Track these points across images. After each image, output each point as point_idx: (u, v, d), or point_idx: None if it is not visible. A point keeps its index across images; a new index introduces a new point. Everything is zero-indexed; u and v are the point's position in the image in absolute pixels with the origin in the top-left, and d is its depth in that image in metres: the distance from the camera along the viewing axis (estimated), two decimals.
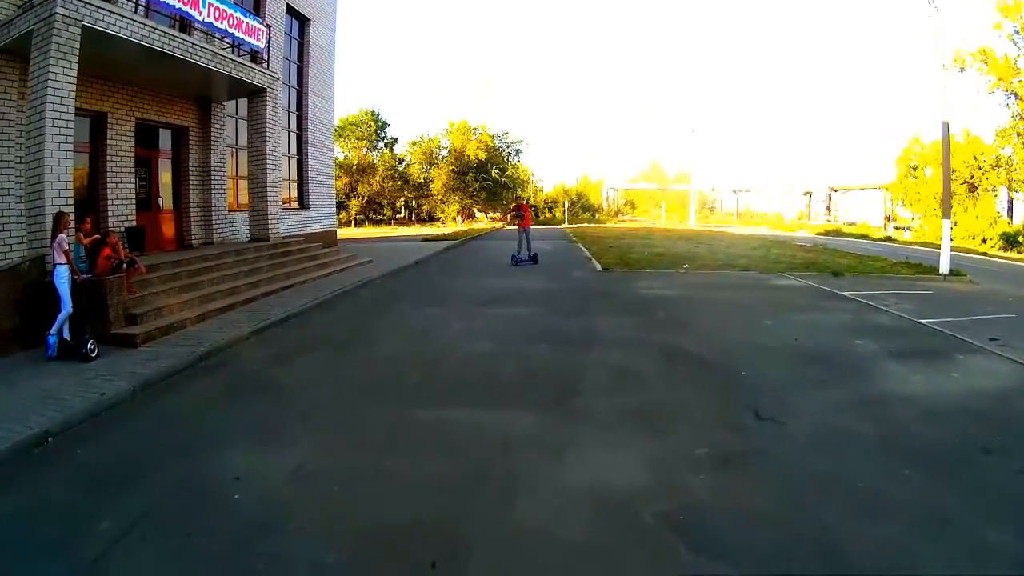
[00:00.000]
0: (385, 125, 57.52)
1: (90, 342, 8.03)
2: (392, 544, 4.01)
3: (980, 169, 36.01)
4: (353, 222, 51.74)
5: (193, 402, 6.90)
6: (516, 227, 19.75)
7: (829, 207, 60.75)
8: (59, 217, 8.53)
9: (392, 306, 12.55)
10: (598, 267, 18.76)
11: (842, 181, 58.21)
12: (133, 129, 13.11)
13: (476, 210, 57.23)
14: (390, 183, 54.77)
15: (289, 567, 3.77)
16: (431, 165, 55.75)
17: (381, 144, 57.44)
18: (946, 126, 19.10)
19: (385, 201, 56.06)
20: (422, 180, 56.30)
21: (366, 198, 53.86)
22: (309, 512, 4.40)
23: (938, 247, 19.12)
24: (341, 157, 53.43)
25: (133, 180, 13.14)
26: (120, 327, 9.15)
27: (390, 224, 53.05)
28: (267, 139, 15.70)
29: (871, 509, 4.34)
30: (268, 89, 15.48)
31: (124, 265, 9.58)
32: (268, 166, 15.82)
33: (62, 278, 8.23)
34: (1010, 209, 36.87)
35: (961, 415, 6.18)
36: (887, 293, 14.04)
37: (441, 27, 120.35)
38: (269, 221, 15.98)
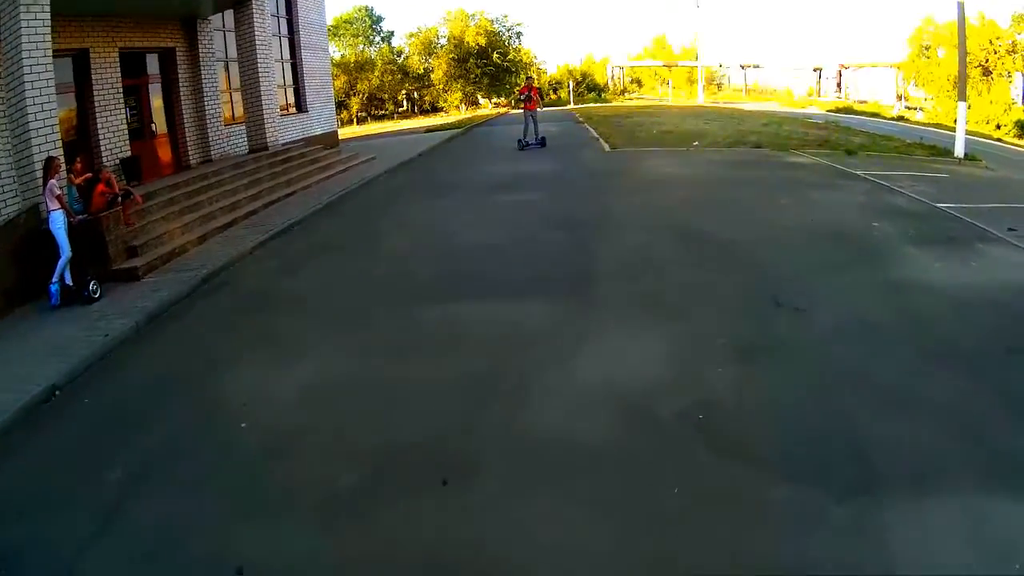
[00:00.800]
0: (380, 19, 56.11)
1: (92, 283, 7.84)
2: (404, 463, 3.93)
3: (996, 54, 34.34)
4: (355, 120, 50.05)
5: (197, 328, 6.76)
6: (522, 110, 18.47)
7: (839, 84, 58.46)
8: (48, 162, 8.21)
9: (397, 202, 12.26)
10: (606, 147, 18.13)
11: (853, 58, 55.65)
12: (117, 60, 12.49)
13: (480, 96, 55.52)
14: (390, 77, 53.37)
15: (299, 495, 3.70)
16: (430, 55, 53.77)
17: (378, 39, 55.88)
18: (961, 6, 17.81)
19: (387, 96, 54.87)
20: (422, 71, 54.60)
21: (366, 95, 52.63)
22: (319, 436, 4.33)
23: (951, 129, 18.47)
24: (338, 56, 51.53)
25: (123, 111, 12.64)
26: (121, 262, 8.88)
27: (393, 118, 51.85)
28: (256, 48, 15.00)
29: (896, 408, 4.25)
30: None
31: (119, 198, 9.26)
32: (260, 75, 15.20)
33: (58, 224, 7.94)
34: None
35: (985, 309, 5.96)
36: (902, 174, 13.51)
37: None
38: (267, 130, 15.44)
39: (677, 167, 14.01)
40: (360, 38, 54.37)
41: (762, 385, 4.55)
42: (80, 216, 8.62)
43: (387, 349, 5.54)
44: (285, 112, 19.57)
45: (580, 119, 30.23)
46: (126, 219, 9.32)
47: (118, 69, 12.48)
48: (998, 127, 31.21)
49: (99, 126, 12.00)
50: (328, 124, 22.67)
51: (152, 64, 14.01)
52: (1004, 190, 12.86)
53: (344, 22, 53.24)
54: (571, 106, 49.28)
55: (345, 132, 35.70)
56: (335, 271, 8.06)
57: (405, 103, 57.43)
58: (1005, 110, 32.57)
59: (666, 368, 4.81)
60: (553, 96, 58.32)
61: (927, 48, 41.68)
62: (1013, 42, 33.75)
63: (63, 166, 8.62)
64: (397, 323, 6.04)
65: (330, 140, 21.41)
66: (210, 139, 15.13)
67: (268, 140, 15.42)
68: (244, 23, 14.95)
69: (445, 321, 5.94)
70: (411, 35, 54.11)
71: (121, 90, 12.54)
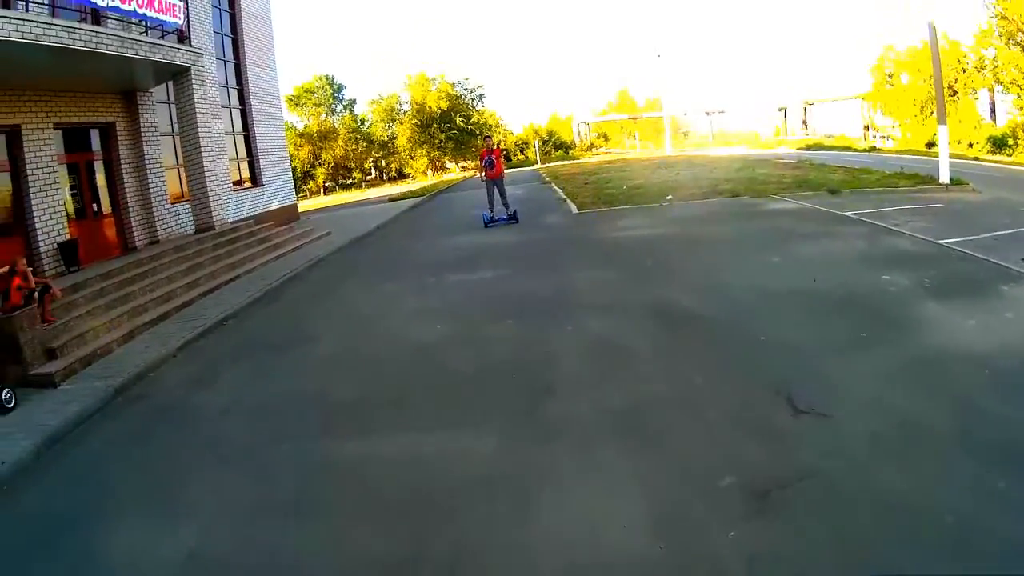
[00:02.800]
0: (341, 88, 56.85)
1: (4, 391, 6.76)
2: None
3: (964, 72, 34.60)
4: (322, 190, 50.86)
5: (94, 459, 5.48)
6: (484, 179, 15.23)
7: (805, 121, 59.23)
8: None
9: (342, 287, 10.96)
10: (574, 209, 17.03)
11: (816, 94, 56.41)
12: (53, 136, 11.81)
13: (446, 161, 55.54)
14: (354, 145, 53.88)
15: None
16: (394, 121, 54.26)
17: (340, 107, 56.47)
18: (933, 27, 17.31)
19: (353, 164, 55.25)
20: (387, 138, 54.90)
21: (332, 164, 52.94)
22: None
23: (924, 154, 17.80)
24: (301, 127, 52.57)
25: (60, 190, 11.88)
26: (39, 365, 7.75)
27: (361, 187, 52.47)
28: (197, 121, 14.14)
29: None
30: (192, 67, 13.89)
31: (36, 293, 8.30)
32: (203, 150, 14.27)
33: None
34: (992, 111, 35.76)
35: None
36: (894, 210, 12.59)
37: None
38: (212, 208, 14.47)
39: (649, 227, 12.83)
40: (323, 107, 54.62)
41: (797, 553, 3.11)
42: None
43: (282, 509, 4.14)
44: (240, 187, 18.77)
45: (547, 179, 29.51)
46: (46, 316, 8.36)
47: (54, 145, 11.77)
48: (970, 145, 31.29)
49: (34, 207, 11.19)
50: (286, 197, 21.79)
51: (94, 140, 13.30)
52: (1001, 215, 12.10)
53: (305, 91, 53.67)
54: (538, 165, 49.12)
55: (310, 204, 34.99)
56: (255, 382, 6.70)
57: (373, 171, 57.82)
58: (975, 127, 32.63)
59: (655, 537, 3.36)
60: (520, 156, 58.35)
61: (890, 76, 42.16)
62: (980, 58, 33.93)
63: None
64: (299, 468, 4.62)
65: (288, 214, 20.52)
66: (156, 218, 14.33)
67: (214, 219, 14.46)
68: (184, 94, 14.15)
69: (358, 464, 4.53)
70: (373, 102, 54.85)
71: (57, 168, 11.72)
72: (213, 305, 10.44)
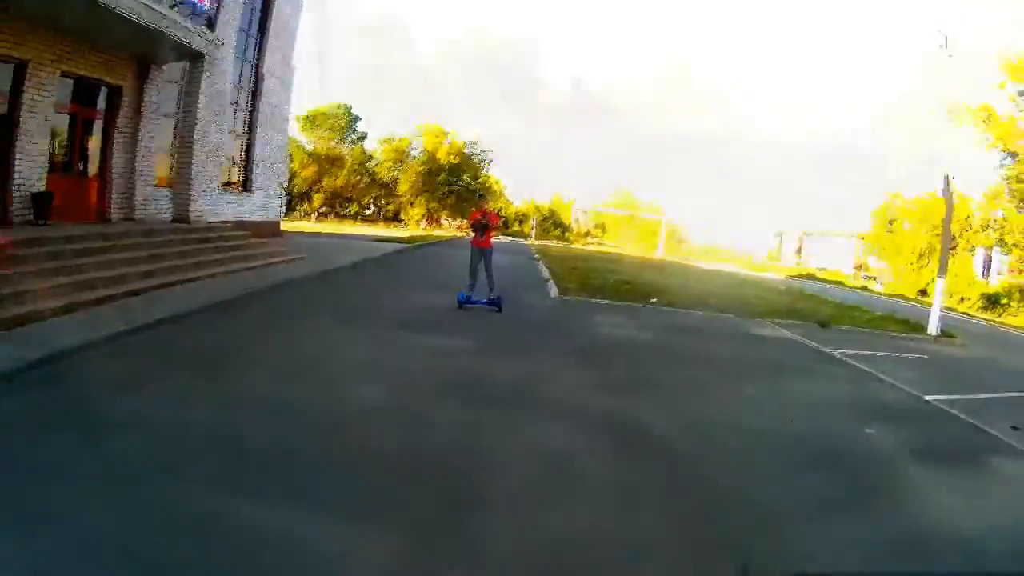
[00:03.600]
0: (357, 119, 57.21)
1: None
2: None
3: (970, 228, 35.63)
4: (315, 215, 50.93)
5: None
6: (471, 245, 12.80)
7: (799, 250, 60.50)
8: None
9: (297, 319, 10.18)
10: (554, 292, 16.48)
11: (814, 227, 57.92)
12: (57, 83, 11.54)
13: (443, 216, 55.83)
14: (357, 178, 53.99)
15: None
16: (402, 163, 54.74)
17: (352, 138, 56.97)
18: (948, 181, 17.59)
19: (354, 197, 55.30)
20: (389, 180, 55.18)
21: (331, 192, 53.01)
22: None
23: (915, 301, 17.87)
24: (310, 148, 53.05)
25: (48, 139, 11.53)
26: None
27: (356, 220, 52.67)
28: (198, 109, 13.97)
29: None
30: (207, 55, 13.79)
31: None
32: (195, 141, 14.11)
33: None
34: (987, 269, 36.56)
35: None
36: (881, 355, 12.32)
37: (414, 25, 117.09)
38: (191, 201, 14.23)
39: (628, 328, 12.27)
40: (335, 132, 55.09)
41: None
42: None
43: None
44: (229, 189, 18.35)
45: (536, 256, 29.27)
46: None
47: (55, 92, 11.46)
48: (962, 300, 31.67)
49: (18, 149, 10.77)
50: (272, 211, 21.42)
51: (100, 99, 13.03)
52: (990, 374, 12.48)
53: (321, 114, 54.28)
54: (532, 240, 49.27)
55: (299, 225, 34.47)
56: (172, 403, 5.68)
57: (371, 207, 58.25)
58: (969, 284, 33.21)
59: None
60: (517, 227, 58.74)
61: (891, 222, 43.27)
62: (985, 217, 34.91)
63: None
64: (150, 522, 3.68)
65: (270, 229, 19.96)
66: (137, 197, 13.88)
67: (191, 213, 14.21)
68: (193, 79, 13.95)
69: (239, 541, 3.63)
70: (384, 140, 55.57)
71: (51, 117, 11.42)
72: (163, 301, 9.67)
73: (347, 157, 54.18)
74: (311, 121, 53.18)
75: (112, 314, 8.53)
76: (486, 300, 12.23)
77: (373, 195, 57.25)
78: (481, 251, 12.45)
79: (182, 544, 3.50)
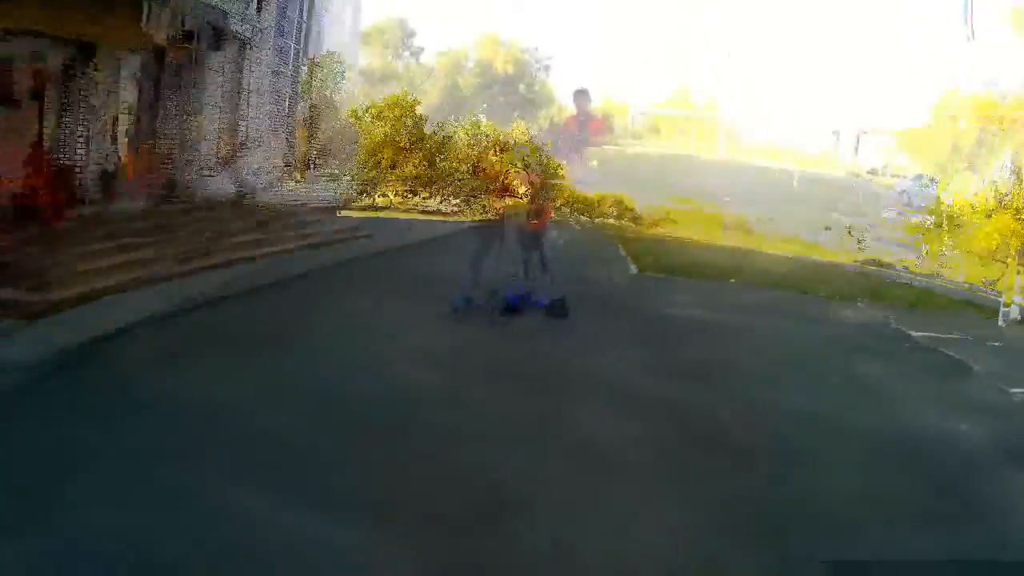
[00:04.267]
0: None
1: None
2: None
3: None
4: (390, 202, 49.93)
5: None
6: (508, 224, 9.95)
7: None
8: None
9: (345, 296, 9.82)
10: (633, 270, 15.07)
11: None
12: (125, 60, 11.63)
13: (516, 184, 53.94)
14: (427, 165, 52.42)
15: None
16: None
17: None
18: None
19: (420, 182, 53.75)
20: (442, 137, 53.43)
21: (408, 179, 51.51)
22: None
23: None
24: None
25: (114, 118, 11.57)
26: (26, 290, 7.13)
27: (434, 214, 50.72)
28: (259, 88, 14.53)
29: None
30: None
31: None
32: (256, 118, 14.52)
33: None
34: None
35: None
36: (966, 338, 11.34)
37: None
38: (256, 178, 14.47)
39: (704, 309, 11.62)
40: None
41: None
42: None
43: None
44: (289, 168, 18.50)
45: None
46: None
47: (123, 71, 11.60)
48: None
49: (88, 130, 10.77)
50: (337, 194, 21.40)
51: (165, 75, 12.70)
52: None
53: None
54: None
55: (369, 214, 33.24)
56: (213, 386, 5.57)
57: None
58: None
59: None
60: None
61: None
62: None
63: None
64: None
65: (333, 209, 19.72)
66: (198, 172, 13.45)
67: (254, 191, 14.38)
68: (252, 60, 14.22)
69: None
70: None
71: (116, 95, 11.53)
72: (219, 279, 9.47)
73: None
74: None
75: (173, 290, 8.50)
76: (544, 301, 9.11)
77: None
78: (531, 236, 9.51)
79: None
